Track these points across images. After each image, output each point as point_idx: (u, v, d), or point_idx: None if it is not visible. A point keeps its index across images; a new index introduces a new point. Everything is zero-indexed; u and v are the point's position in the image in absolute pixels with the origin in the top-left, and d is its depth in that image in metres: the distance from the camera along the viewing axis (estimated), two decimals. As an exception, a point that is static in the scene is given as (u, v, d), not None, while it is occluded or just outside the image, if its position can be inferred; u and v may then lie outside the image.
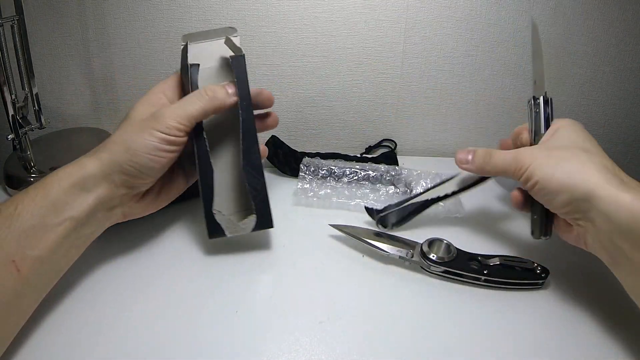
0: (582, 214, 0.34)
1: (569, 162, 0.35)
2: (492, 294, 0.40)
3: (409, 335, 0.36)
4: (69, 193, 0.34)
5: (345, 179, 0.55)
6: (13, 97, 0.49)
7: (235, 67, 0.41)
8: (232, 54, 0.42)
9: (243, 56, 0.42)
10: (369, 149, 0.65)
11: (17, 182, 0.53)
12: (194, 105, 0.38)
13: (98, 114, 0.66)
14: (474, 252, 0.42)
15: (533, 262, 0.41)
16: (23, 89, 0.51)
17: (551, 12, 0.59)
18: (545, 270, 0.40)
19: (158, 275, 0.41)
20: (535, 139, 0.40)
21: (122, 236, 0.45)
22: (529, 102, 0.41)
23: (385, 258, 0.43)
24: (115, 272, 0.41)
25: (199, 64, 0.42)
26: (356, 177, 0.55)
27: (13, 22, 0.48)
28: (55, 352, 0.34)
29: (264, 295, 0.40)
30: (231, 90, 0.41)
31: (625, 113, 0.66)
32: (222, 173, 0.44)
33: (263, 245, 0.46)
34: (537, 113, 0.40)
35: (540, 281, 0.40)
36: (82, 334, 0.35)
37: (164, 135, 0.37)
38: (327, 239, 0.47)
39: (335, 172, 0.55)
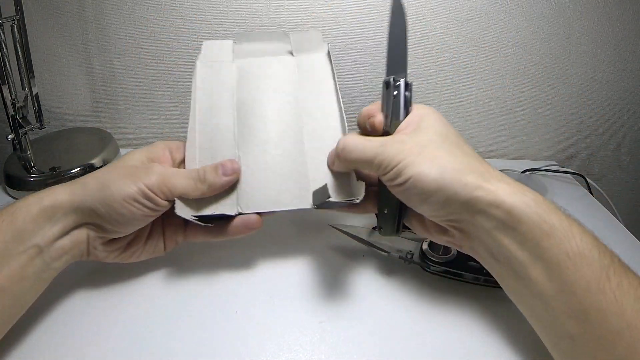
0: (458, 215, 0.32)
1: (445, 159, 0.32)
2: (492, 294, 0.40)
3: (409, 335, 0.36)
4: (36, 220, 0.33)
5: None
6: (13, 97, 0.49)
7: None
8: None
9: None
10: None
11: (17, 182, 0.53)
12: (183, 182, 0.37)
13: (98, 114, 0.66)
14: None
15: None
16: (23, 89, 0.51)
17: (551, 12, 0.59)
18: (545, 270, 0.40)
19: (156, 276, 0.41)
20: (391, 124, 0.36)
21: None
22: (385, 83, 0.37)
23: (385, 258, 0.43)
24: (112, 270, 0.41)
25: None
26: None
27: (13, 22, 0.48)
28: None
29: (264, 295, 0.40)
30: (222, 172, 0.38)
31: (625, 113, 0.66)
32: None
33: (263, 245, 0.46)
34: (397, 97, 0.36)
35: (540, 281, 0.40)
36: (80, 334, 0.35)
37: (147, 190, 0.35)
38: (327, 239, 0.47)
39: None
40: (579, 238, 0.29)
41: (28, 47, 0.50)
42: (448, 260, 0.41)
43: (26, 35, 0.49)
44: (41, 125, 0.54)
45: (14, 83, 0.49)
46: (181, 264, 0.43)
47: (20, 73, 0.51)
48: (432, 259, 0.41)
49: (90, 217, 0.35)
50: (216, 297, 0.39)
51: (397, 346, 0.35)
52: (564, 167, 0.65)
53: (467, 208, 0.31)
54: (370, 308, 0.39)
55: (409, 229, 0.39)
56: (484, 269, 0.40)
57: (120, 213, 0.34)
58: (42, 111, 0.54)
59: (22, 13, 0.48)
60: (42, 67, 0.61)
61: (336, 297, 0.39)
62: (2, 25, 0.47)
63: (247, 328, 0.36)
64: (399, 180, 0.32)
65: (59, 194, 0.34)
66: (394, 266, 0.43)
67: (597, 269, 0.28)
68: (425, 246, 0.42)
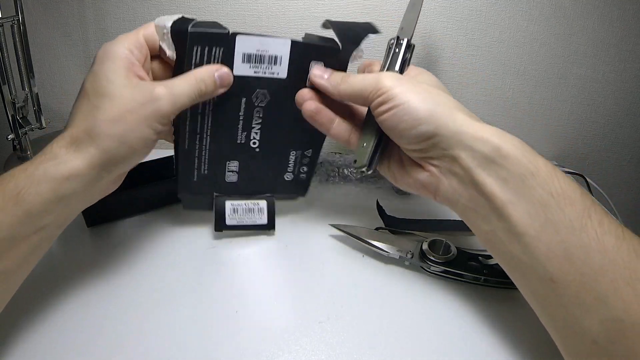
0: (442, 150, 0.33)
1: (438, 96, 0.34)
2: (492, 294, 0.40)
3: (408, 335, 0.36)
4: (49, 201, 0.30)
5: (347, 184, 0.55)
6: (13, 97, 0.49)
7: None
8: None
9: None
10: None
11: (17, 182, 0.53)
12: (185, 91, 0.35)
13: (98, 114, 0.66)
14: (474, 252, 0.42)
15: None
16: (23, 89, 0.51)
17: (551, 12, 0.59)
18: (545, 270, 0.40)
19: (156, 276, 0.41)
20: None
21: (116, 235, 0.46)
22: (390, 40, 0.40)
23: (385, 258, 0.43)
24: (113, 271, 0.41)
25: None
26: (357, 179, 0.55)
27: (13, 22, 0.48)
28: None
29: (264, 295, 0.40)
30: (219, 74, 0.37)
31: (625, 113, 0.66)
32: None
33: (263, 244, 0.46)
34: (396, 53, 0.39)
35: (540, 281, 0.40)
36: (81, 335, 0.35)
37: (163, 128, 0.34)
38: (327, 238, 0.47)
39: (335, 175, 0.55)
40: (562, 180, 0.30)
41: (28, 47, 0.50)
42: (448, 260, 0.41)
43: (26, 35, 0.49)
44: (41, 125, 0.54)
45: (14, 83, 0.49)
46: (180, 264, 0.43)
47: (20, 73, 0.50)
48: (432, 259, 0.41)
49: (108, 172, 0.33)
50: (216, 297, 0.39)
51: (397, 346, 0.35)
52: (564, 167, 0.64)
53: (454, 142, 0.32)
54: (370, 308, 0.39)
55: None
56: (484, 269, 0.40)
57: (144, 156, 0.35)
58: (42, 111, 0.54)
59: (22, 13, 0.48)
60: (42, 67, 0.61)
61: (336, 297, 0.39)
62: (2, 25, 0.47)
63: (247, 328, 0.36)
64: (391, 103, 0.34)
65: (72, 162, 0.31)
66: (394, 266, 0.43)
67: (580, 209, 0.28)
68: (425, 246, 0.42)
